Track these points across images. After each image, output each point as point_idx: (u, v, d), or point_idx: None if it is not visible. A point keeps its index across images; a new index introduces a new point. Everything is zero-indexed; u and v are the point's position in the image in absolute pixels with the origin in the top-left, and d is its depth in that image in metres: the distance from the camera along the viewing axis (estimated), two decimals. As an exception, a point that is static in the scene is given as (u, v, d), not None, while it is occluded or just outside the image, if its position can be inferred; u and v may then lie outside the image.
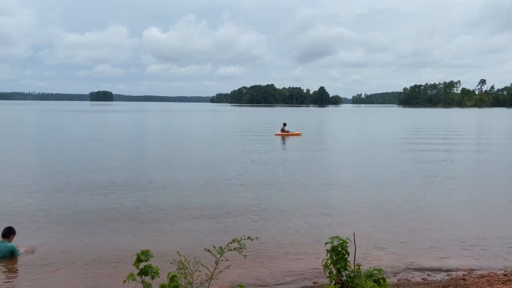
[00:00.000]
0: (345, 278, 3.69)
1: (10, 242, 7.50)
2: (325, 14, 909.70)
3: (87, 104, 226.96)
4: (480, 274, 6.87)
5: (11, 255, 7.36)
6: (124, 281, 3.75)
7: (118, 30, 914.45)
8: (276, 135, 33.79)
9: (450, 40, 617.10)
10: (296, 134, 33.55)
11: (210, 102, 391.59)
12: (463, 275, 6.86)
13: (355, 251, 3.81)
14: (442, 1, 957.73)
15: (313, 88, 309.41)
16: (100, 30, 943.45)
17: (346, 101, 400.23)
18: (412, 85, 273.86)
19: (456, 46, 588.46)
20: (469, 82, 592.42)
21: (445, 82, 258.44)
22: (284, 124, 34.58)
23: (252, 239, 4.28)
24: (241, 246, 4.09)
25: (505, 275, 6.71)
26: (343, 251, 3.72)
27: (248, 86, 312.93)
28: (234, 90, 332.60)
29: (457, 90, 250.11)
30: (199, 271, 4.25)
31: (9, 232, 7.55)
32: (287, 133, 33.39)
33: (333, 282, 3.71)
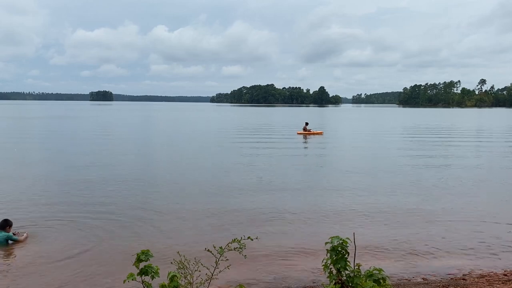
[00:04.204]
0: (345, 278, 3.69)
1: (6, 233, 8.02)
2: (334, 13, 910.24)
3: (86, 104, 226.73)
4: (480, 274, 6.87)
5: (7, 242, 7.89)
6: (124, 281, 3.74)
7: (127, 30, 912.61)
8: (298, 133, 34.71)
9: (457, 40, 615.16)
10: (318, 133, 34.47)
11: (210, 102, 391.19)
12: (463, 275, 6.86)
13: (355, 251, 3.81)
14: (450, 0, 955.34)
15: (316, 88, 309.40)
16: (109, 31, 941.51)
17: (346, 101, 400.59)
18: (412, 85, 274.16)
19: (463, 46, 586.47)
20: (474, 82, 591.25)
21: (445, 82, 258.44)
22: (306, 123, 35.64)
23: (252, 239, 4.27)
24: (241, 246, 4.09)
25: (505, 275, 6.71)
26: (343, 251, 3.72)
27: (248, 86, 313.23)
28: (234, 90, 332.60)
29: (457, 90, 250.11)
30: (199, 271, 4.25)
31: (5, 224, 8.05)
32: (309, 132, 34.39)
33: (333, 282, 3.70)
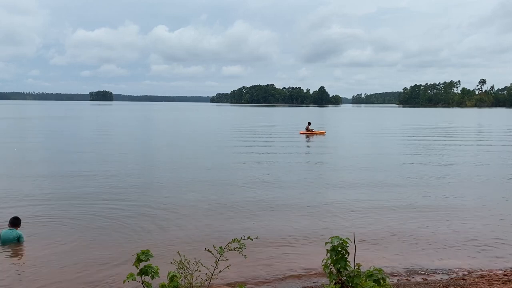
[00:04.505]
0: (345, 278, 3.69)
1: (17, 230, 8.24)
2: (334, 13, 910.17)
3: (86, 104, 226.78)
4: (480, 274, 6.87)
5: (18, 240, 8.05)
6: (124, 281, 3.75)
7: (127, 30, 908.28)
8: (300, 133, 35.07)
9: (457, 40, 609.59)
10: (320, 133, 34.82)
11: (210, 102, 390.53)
12: (463, 275, 6.86)
13: (355, 251, 3.81)
14: (450, 0, 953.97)
15: (316, 88, 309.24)
16: (109, 31, 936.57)
17: (346, 101, 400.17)
18: (412, 85, 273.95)
19: (463, 46, 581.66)
20: (474, 82, 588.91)
21: (445, 82, 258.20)
22: (309, 123, 36.03)
23: (252, 239, 4.28)
24: (241, 246, 4.09)
25: (505, 275, 6.71)
26: (343, 251, 3.72)
27: (249, 86, 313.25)
28: (234, 90, 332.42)
29: (457, 90, 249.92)
30: (199, 271, 4.25)
31: (18, 222, 8.30)
32: (312, 132, 34.79)
33: (333, 282, 3.70)
